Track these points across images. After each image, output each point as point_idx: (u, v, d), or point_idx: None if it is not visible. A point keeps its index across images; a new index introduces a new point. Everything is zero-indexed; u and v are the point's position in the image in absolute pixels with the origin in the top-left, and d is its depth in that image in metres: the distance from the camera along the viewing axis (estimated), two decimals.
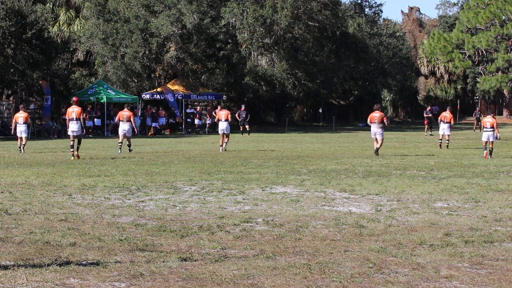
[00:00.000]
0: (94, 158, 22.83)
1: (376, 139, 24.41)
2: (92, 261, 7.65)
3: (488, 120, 24.65)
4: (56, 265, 7.37)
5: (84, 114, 25.17)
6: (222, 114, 27.86)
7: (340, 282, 6.88)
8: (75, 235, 9.10)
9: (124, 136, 25.78)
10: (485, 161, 21.47)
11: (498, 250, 8.33)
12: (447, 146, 29.29)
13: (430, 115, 45.30)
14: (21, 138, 26.58)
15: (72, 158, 22.44)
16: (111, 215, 10.80)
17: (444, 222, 10.19)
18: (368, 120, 24.89)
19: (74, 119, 23.05)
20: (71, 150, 22.91)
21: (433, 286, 6.78)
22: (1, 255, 7.96)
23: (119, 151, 25.53)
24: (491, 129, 24.23)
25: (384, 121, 24.64)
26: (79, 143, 23.16)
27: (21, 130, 26.63)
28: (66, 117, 24.28)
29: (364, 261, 7.73)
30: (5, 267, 7.33)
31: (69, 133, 23.33)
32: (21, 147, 26.41)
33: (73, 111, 23.25)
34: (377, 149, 24.30)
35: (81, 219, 10.39)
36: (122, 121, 25.74)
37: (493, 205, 11.93)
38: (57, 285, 6.73)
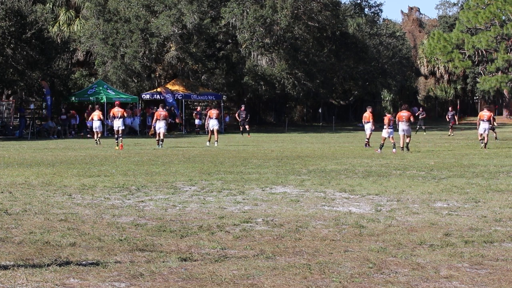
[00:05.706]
0: (94, 158, 22.84)
1: (404, 136, 26.19)
2: (92, 261, 7.65)
3: (485, 113, 27.49)
4: (56, 265, 7.37)
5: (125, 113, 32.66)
6: (213, 112, 31.70)
7: (340, 282, 6.88)
8: (75, 235, 9.10)
9: (161, 133, 28.84)
10: (485, 161, 21.46)
11: (498, 250, 8.32)
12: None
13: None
14: (97, 132, 32.42)
15: (116, 147, 27.69)
16: (111, 215, 10.80)
17: (444, 222, 10.19)
18: (396, 118, 26.72)
19: (118, 117, 28.76)
20: (116, 141, 28.56)
21: (433, 286, 6.78)
22: (1, 255, 7.96)
23: (158, 147, 28.44)
24: (488, 122, 26.99)
25: (411, 120, 26.40)
26: (121, 135, 28.48)
27: (96, 126, 32.42)
28: (111, 115, 30.38)
29: (364, 261, 7.73)
30: (5, 267, 7.33)
31: (115, 128, 28.95)
32: (98, 140, 32.23)
33: (118, 111, 29.17)
34: (407, 144, 26.25)
35: (81, 219, 10.39)
36: (159, 119, 28.76)
37: (493, 205, 11.92)
38: (57, 285, 6.73)
